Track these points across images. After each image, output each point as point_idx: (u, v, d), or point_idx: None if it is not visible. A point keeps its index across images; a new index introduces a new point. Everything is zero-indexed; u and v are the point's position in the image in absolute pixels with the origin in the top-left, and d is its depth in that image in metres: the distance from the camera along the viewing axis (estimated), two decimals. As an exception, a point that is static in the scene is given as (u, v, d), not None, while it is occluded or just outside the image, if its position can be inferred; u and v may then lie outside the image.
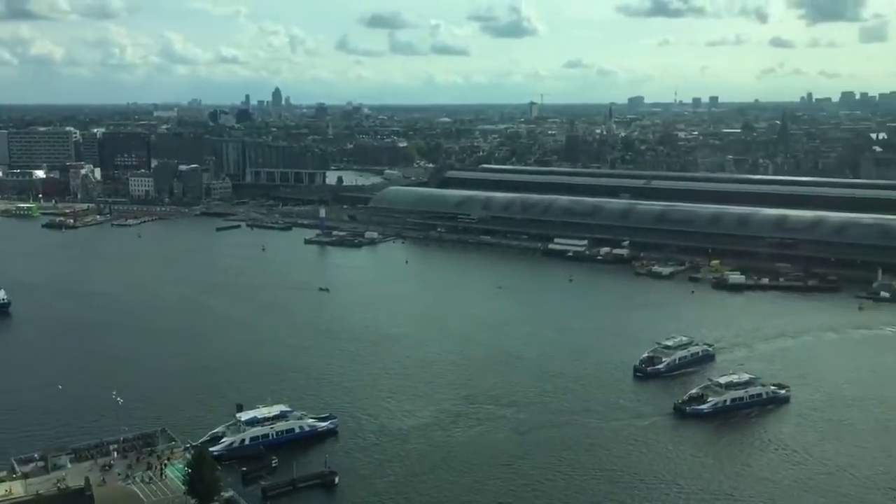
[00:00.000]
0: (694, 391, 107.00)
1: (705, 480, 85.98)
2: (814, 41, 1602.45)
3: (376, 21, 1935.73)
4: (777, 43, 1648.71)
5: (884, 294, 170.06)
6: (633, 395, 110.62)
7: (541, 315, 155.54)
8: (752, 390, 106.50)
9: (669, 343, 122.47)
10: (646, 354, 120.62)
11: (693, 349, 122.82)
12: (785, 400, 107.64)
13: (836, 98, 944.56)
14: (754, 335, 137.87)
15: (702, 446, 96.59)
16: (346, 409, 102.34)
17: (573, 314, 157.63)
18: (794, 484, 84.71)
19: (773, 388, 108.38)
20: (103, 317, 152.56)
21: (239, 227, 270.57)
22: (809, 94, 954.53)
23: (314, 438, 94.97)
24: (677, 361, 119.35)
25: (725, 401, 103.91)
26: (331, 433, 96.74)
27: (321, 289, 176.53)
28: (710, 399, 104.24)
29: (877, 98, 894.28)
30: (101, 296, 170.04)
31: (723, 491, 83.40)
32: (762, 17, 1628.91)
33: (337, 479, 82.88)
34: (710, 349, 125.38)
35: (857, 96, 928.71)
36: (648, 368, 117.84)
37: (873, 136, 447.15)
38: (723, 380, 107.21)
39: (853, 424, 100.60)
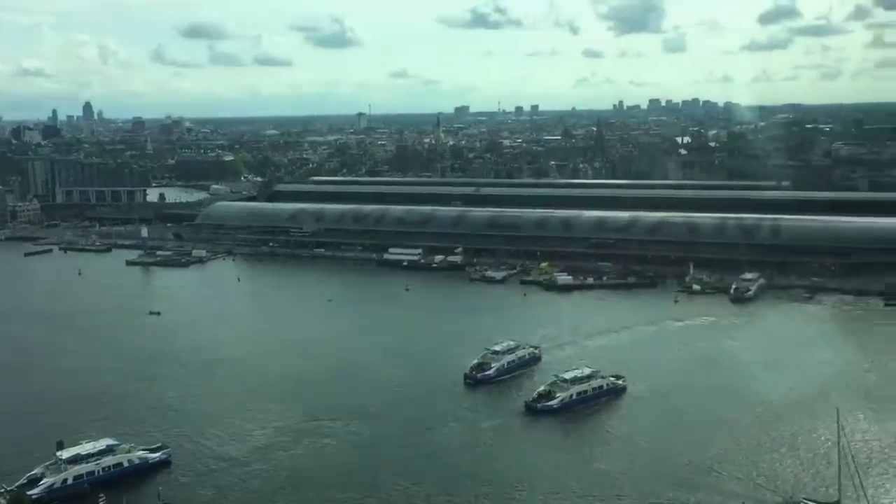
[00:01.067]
0: (542, 388, 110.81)
1: (555, 478, 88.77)
2: (622, 52, 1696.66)
3: (195, 31, 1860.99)
4: (589, 54, 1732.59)
5: (695, 287, 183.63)
6: (471, 401, 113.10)
7: (378, 326, 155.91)
8: (594, 383, 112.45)
9: (497, 348, 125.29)
10: (475, 361, 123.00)
11: (520, 353, 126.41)
12: (623, 390, 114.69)
13: (644, 105, 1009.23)
14: (582, 332, 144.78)
15: (551, 442, 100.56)
16: (179, 438, 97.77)
17: (410, 323, 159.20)
18: (643, 472, 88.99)
19: (612, 379, 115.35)
20: None
21: (51, 251, 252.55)
22: (620, 102, 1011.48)
23: (145, 472, 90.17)
24: (506, 366, 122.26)
25: (572, 395, 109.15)
26: (163, 464, 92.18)
27: (151, 312, 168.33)
28: (557, 395, 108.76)
29: (679, 105, 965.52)
30: None
31: (571, 489, 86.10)
32: (574, 29, 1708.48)
33: (173, 513, 79.30)
34: (537, 351, 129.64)
35: (663, 103, 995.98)
36: (479, 375, 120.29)
37: (679, 139, 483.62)
38: (567, 375, 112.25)
39: (680, 409, 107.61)
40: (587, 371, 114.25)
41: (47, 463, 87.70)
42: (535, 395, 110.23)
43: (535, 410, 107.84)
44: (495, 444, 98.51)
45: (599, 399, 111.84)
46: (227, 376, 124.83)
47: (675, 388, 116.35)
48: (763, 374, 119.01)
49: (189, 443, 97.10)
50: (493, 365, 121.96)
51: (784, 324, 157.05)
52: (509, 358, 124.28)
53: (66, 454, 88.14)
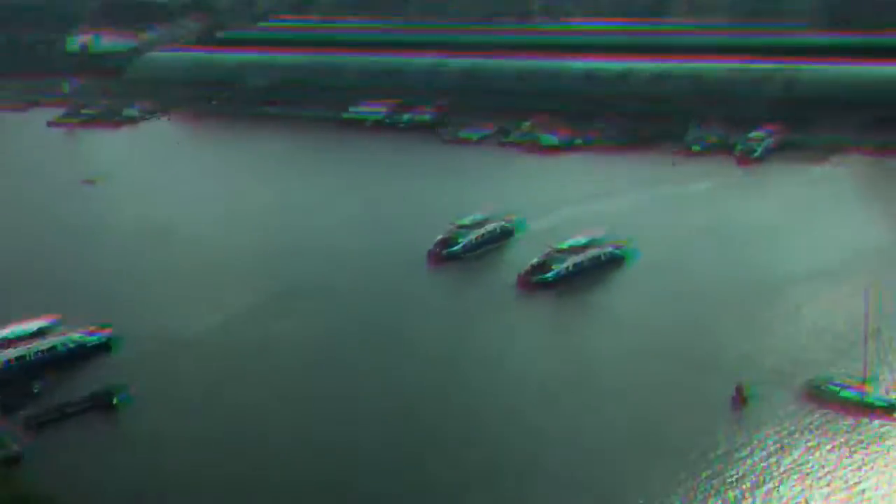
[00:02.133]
0: (535, 260, 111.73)
1: (548, 360, 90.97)
2: None
3: None
4: None
5: (695, 147, 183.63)
6: (436, 279, 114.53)
7: (337, 195, 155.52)
8: (592, 253, 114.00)
9: (465, 222, 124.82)
10: (441, 236, 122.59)
11: (490, 226, 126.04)
12: (622, 259, 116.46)
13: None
14: (569, 200, 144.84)
15: (544, 319, 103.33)
16: (122, 319, 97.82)
17: (374, 192, 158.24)
18: (644, 355, 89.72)
19: (610, 248, 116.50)
20: None
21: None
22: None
23: (84, 355, 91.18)
24: (474, 241, 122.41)
25: (568, 267, 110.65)
26: (105, 347, 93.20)
27: (85, 181, 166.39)
28: (553, 267, 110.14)
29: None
30: None
31: (562, 372, 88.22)
32: None
33: (115, 400, 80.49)
34: (509, 225, 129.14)
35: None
36: (444, 252, 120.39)
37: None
38: (564, 245, 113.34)
39: (683, 283, 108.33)
40: (584, 240, 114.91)
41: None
42: (528, 267, 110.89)
43: (529, 284, 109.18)
44: (477, 322, 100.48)
45: (597, 270, 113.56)
46: (173, 252, 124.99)
47: (675, 259, 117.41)
48: (771, 245, 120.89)
49: (133, 324, 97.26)
50: (460, 240, 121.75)
51: (794, 188, 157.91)
52: (478, 232, 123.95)
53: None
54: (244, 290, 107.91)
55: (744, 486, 63.86)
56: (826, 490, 63.36)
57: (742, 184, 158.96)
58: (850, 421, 72.72)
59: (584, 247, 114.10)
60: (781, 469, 65.92)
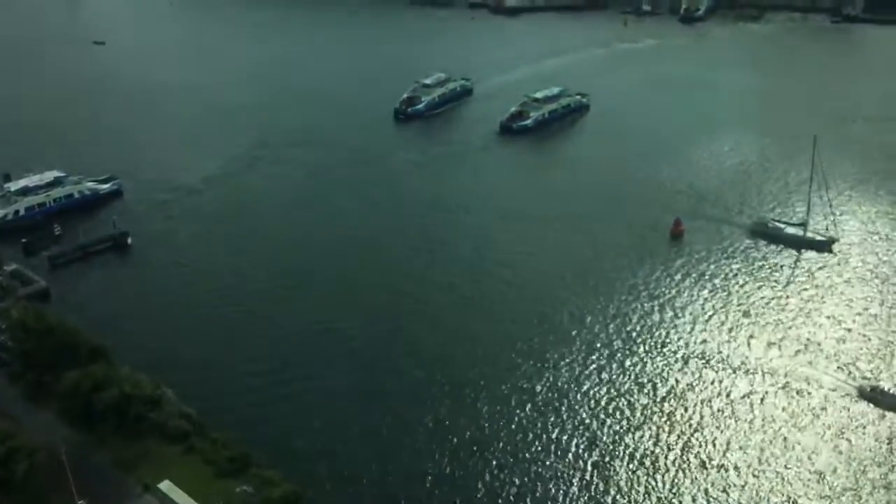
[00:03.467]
0: (514, 109, 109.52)
1: (518, 197, 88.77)
2: None
3: None
4: None
5: (645, 7, 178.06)
6: (407, 134, 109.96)
7: (314, 53, 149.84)
8: (563, 101, 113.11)
9: (428, 81, 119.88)
10: (405, 95, 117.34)
11: (451, 85, 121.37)
12: (587, 107, 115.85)
13: None
14: (531, 56, 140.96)
15: (520, 159, 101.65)
16: (129, 169, 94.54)
17: (347, 51, 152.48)
18: (604, 189, 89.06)
19: (577, 97, 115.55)
20: None
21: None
22: None
23: (97, 202, 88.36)
24: (437, 99, 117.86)
25: (544, 114, 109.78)
26: (115, 195, 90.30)
27: (95, 42, 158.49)
28: (531, 114, 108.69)
29: None
30: None
31: (523, 208, 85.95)
32: None
33: (129, 240, 78.79)
34: (469, 83, 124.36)
35: None
36: (409, 109, 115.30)
37: None
38: (539, 94, 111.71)
39: (639, 129, 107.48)
40: (556, 90, 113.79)
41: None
42: (507, 115, 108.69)
43: (511, 130, 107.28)
44: (468, 158, 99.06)
45: (567, 116, 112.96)
46: (176, 106, 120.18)
47: (631, 107, 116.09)
48: (716, 95, 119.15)
49: (140, 173, 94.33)
50: (423, 99, 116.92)
51: (733, 44, 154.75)
52: (440, 91, 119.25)
53: (14, 186, 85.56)
54: (239, 141, 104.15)
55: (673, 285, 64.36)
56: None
57: (688, 41, 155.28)
58: (791, 252, 72.71)
59: (556, 96, 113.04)
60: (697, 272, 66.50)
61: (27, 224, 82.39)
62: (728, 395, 53.45)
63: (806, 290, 66.37)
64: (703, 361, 56.99)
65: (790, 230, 75.51)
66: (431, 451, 49.28)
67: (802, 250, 72.93)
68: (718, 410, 52.10)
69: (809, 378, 54.77)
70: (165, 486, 44.08)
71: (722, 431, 50.28)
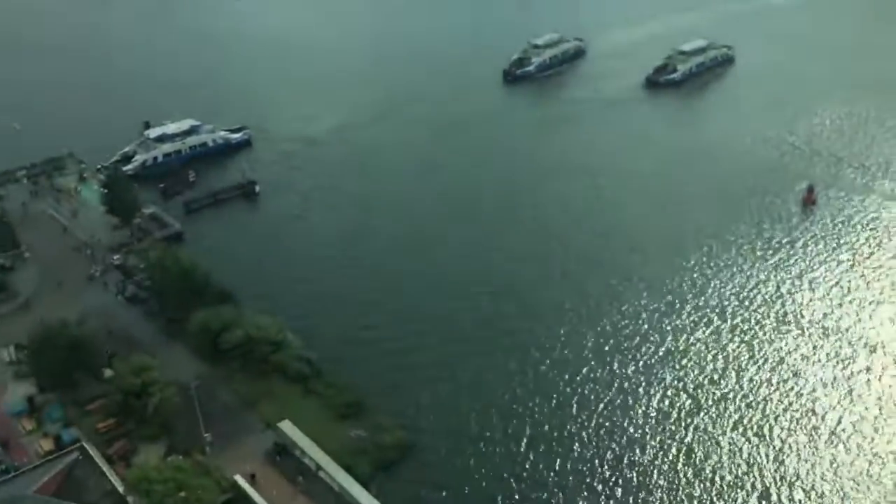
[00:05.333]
0: (659, 63, 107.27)
1: (674, 139, 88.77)
2: None
3: None
4: None
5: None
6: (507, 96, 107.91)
7: (430, 14, 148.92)
8: (711, 53, 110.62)
9: (539, 42, 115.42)
10: (515, 56, 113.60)
11: (564, 46, 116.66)
12: (732, 60, 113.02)
13: None
14: (665, 8, 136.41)
15: (675, 110, 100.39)
16: (258, 120, 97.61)
17: (457, 12, 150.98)
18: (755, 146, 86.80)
19: (725, 49, 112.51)
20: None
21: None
22: None
23: (229, 151, 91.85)
24: (548, 61, 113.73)
25: (691, 67, 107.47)
26: (245, 144, 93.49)
27: None
28: (678, 67, 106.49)
29: None
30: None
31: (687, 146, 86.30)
32: None
33: (257, 188, 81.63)
34: (582, 43, 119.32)
35: None
36: (517, 71, 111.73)
37: None
38: (686, 47, 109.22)
39: (788, 87, 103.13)
40: (702, 42, 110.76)
41: (137, 141, 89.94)
42: (653, 69, 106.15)
43: (658, 83, 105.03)
44: (617, 109, 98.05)
45: (715, 69, 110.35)
46: (301, 63, 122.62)
47: (776, 63, 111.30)
48: (863, 57, 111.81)
49: (267, 125, 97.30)
50: (533, 60, 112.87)
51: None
52: (551, 52, 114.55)
53: (153, 133, 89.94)
54: (360, 98, 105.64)
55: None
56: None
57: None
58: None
59: (703, 49, 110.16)
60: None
61: (165, 169, 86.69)
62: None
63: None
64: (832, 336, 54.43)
65: None
66: (533, 409, 49.38)
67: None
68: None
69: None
70: (285, 425, 46.06)
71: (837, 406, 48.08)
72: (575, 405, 49.51)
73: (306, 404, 49.44)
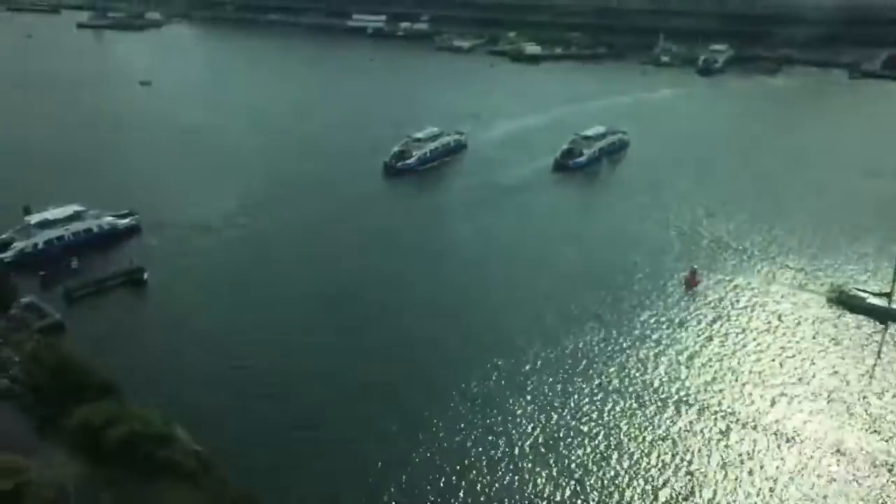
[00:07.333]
0: (565, 147, 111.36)
1: (570, 223, 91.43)
2: None
3: None
4: None
5: (664, 59, 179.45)
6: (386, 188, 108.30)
7: (335, 96, 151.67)
8: (611, 139, 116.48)
9: (420, 135, 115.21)
10: (396, 149, 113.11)
11: (444, 139, 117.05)
12: (628, 144, 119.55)
13: None
14: (549, 103, 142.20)
15: (579, 192, 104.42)
16: (147, 205, 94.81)
17: (367, 95, 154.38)
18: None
19: (620, 134, 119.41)
20: None
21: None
22: None
23: (115, 237, 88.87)
24: (428, 154, 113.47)
25: (595, 151, 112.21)
26: (133, 230, 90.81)
27: (142, 83, 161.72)
28: (584, 151, 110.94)
29: None
30: None
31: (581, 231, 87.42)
32: None
33: (146, 276, 78.87)
34: (462, 137, 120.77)
35: None
36: (398, 164, 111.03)
37: None
38: (590, 132, 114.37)
39: (678, 162, 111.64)
40: (601, 129, 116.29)
41: (16, 227, 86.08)
42: (559, 153, 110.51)
43: (566, 167, 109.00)
44: (524, 193, 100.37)
45: (615, 153, 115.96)
46: (196, 146, 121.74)
47: (667, 149, 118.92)
48: (742, 146, 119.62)
49: (158, 210, 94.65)
50: (414, 153, 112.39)
51: (751, 96, 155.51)
52: (432, 146, 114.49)
53: (34, 219, 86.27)
54: (249, 185, 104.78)
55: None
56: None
57: (707, 91, 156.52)
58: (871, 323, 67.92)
59: (603, 135, 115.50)
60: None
61: (45, 257, 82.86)
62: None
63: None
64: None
65: (873, 300, 69.63)
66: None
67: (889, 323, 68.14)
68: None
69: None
70: (172, 527, 43.38)
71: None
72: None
73: (197, 503, 46.78)
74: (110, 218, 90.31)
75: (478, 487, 49.16)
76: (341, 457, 51.55)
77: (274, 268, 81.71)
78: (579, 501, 47.93)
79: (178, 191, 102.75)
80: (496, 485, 49.34)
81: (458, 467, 50.82)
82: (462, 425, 54.72)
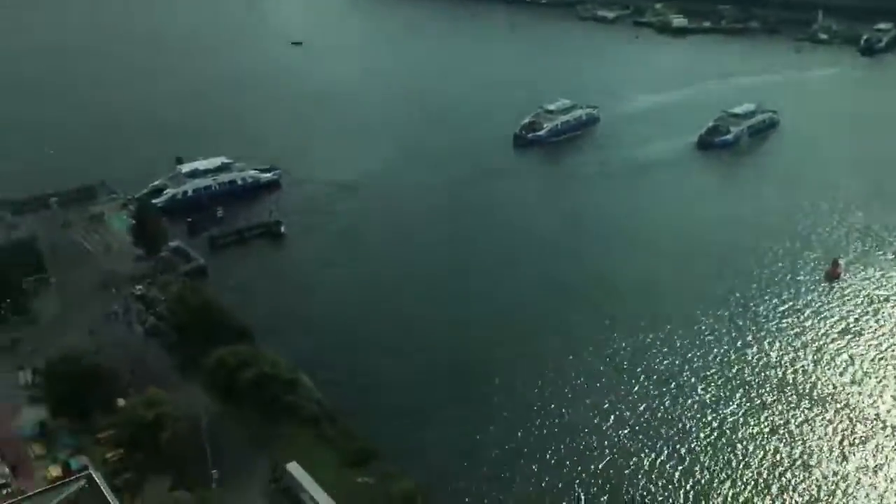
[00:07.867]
0: (711, 124, 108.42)
1: (714, 206, 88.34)
2: None
3: None
4: None
5: (822, 36, 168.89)
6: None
7: (479, 66, 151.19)
8: (760, 117, 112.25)
9: (551, 107, 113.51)
10: (527, 120, 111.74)
11: (577, 112, 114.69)
12: (778, 122, 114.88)
13: None
14: (694, 78, 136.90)
15: (725, 172, 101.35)
16: (288, 161, 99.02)
17: (511, 64, 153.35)
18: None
19: (770, 113, 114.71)
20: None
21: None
22: None
23: (258, 189, 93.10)
24: (559, 126, 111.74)
25: (743, 129, 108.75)
26: (274, 184, 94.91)
27: (293, 42, 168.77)
28: (731, 129, 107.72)
29: None
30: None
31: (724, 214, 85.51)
32: None
33: (283, 229, 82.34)
34: (595, 111, 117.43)
35: None
36: (529, 135, 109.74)
37: None
38: (738, 110, 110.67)
39: (832, 146, 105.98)
40: (751, 106, 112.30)
41: (169, 175, 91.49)
42: (704, 130, 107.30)
43: (711, 144, 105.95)
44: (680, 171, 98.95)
45: (763, 132, 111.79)
46: (340, 108, 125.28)
47: (821, 131, 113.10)
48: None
49: (299, 166, 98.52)
50: (545, 125, 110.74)
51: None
52: (564, 118, 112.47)
53: (185, 168, 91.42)
54: (385, 149, 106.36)
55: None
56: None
57: (868, 73, 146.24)
58: None
59: (753, 112, 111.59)
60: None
61: (194, 204, 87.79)
62: (878, 455, 49.64)
63: None
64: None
65: None
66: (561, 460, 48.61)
67: None
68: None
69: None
70: (293, 467, 45.64)
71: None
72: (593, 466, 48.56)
73: (316, 447, 48.99)
74: (254, 171, 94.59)
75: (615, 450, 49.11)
76: (474, 414, 52.41)
77: (405, 230, 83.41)
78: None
79: (318, 149, 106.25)
80: (620, 453, 49.14)
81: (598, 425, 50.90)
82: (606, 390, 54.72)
